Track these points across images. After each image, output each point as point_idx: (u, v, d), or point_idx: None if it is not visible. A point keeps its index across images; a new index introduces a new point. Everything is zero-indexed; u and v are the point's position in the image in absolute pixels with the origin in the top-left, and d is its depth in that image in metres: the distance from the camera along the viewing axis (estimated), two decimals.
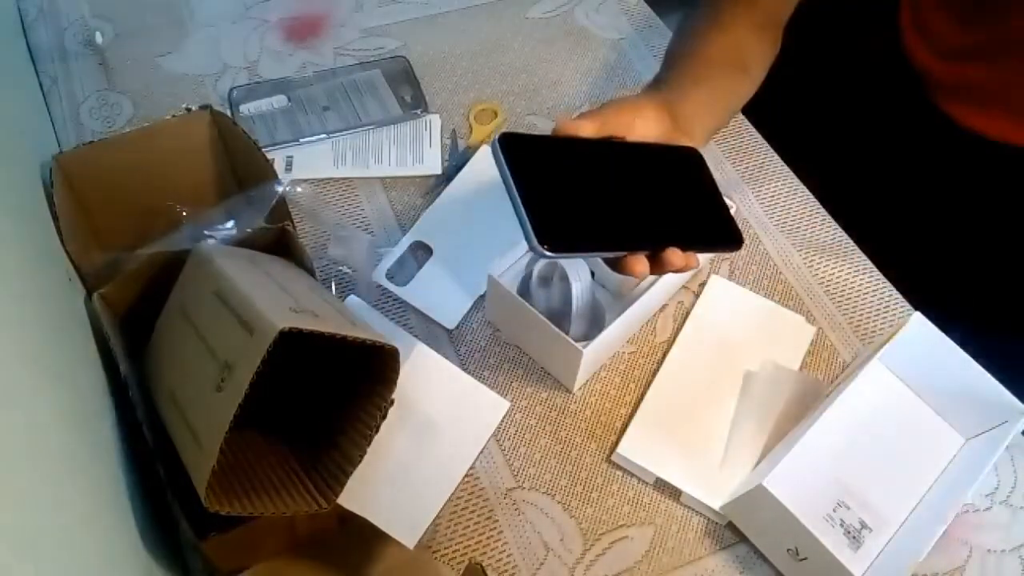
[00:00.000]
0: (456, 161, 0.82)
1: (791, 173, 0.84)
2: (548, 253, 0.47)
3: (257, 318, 0.49)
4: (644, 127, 0.55)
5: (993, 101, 0.72)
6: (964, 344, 0.64)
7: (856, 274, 0.77)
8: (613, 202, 0.53)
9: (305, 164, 0.81)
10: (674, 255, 0.51)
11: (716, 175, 0.85)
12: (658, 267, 0.51)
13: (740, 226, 0.82)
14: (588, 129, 0.52)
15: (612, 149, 0.54)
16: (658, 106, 0.57)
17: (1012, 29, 0.66)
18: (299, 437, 0.58)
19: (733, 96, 0.66)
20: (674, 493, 0.64)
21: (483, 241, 0.76)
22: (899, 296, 0.76)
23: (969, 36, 0.70)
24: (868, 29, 0.81)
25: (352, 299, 0.71)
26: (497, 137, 0.48)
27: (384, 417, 0.53)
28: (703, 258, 0.76)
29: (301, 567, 0.58)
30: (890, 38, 0.78)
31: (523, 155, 0.49)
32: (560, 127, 0.52)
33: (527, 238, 0.47)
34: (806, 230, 0.80)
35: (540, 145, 0.51)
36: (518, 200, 0.47)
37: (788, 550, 0.59)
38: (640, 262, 0.51)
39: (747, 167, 0.85)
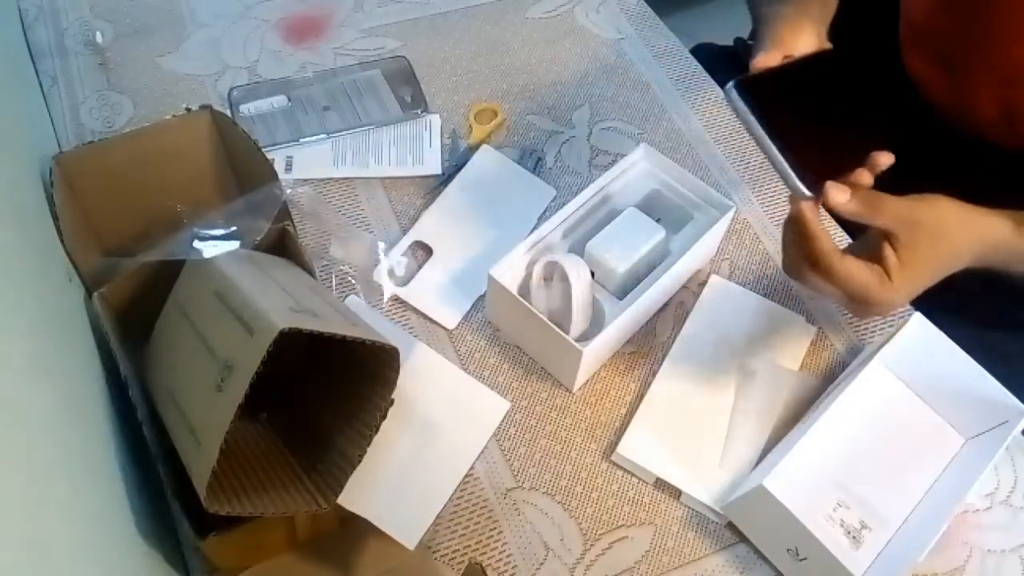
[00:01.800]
0: (456, 161, 0.82)
1: None
2: (809, 194, 0.53)
3: (257, 318, 0.49)
4: (806, 42, 0.61)
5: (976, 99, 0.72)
6: (963, 344, 0.64)
7: None
8: (835, 130, 0.58)
9: (305, 164, 0.81)
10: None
11: (716, 175, 0.85)
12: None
13: (740, 226, 0.82)
14: (777, 59, 0.58)
15: (804, 70, 0.59)
16: (810, 20, 0.62)
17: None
18: (299, 437, 0.58)
19: (830, 7, 0.70)
20: (674, 493, 0.64)
21: (483, 241, 0.76)
22: None
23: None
24: (868, 33, 0.82)
25: (352, 299, 0.71)
26: (733, 84, 0.53)
27: (384, 417, 0.53)
28: (704, 256, 0.76)
29: (301, 567, 0.58)
30: (889, 41, 0.79)
31: (756, 100, 0.54)
32: (757, 64, 0.58)
33: (791, 186, 0.53)
34: None
35: (763, 85, 0.56)
36: (774, 150, 0.53)
37: (788, 550, 0.59)
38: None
39: (747, 167, 0.85)
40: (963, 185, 0.73)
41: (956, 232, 0.58)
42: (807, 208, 0.55)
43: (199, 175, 0.73)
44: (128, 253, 0.62)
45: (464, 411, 0.66)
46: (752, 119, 0.53)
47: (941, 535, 0.56)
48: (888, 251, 0.56)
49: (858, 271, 0.56)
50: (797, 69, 0.58)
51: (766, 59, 0.58)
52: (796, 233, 0.57)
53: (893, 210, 0.56)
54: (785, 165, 0.52)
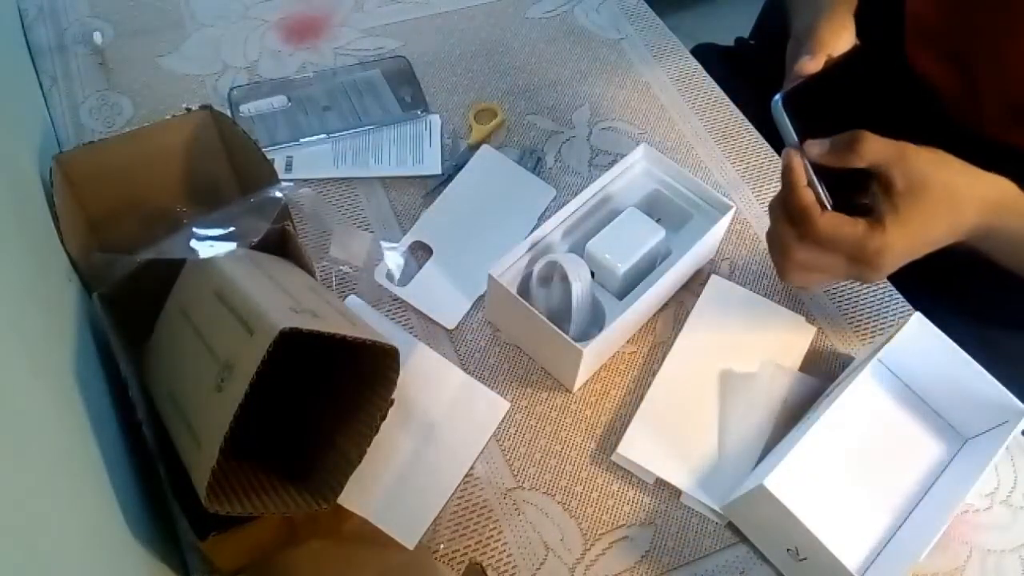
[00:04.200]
0: (456, 161, 0.82)
1: None
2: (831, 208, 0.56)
3: (257, 318, 0.49)
4: (846, 40, 0.62)
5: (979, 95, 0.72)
6: (964, 344, 0.64)
7: None
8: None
9: (305, 164, 0.81)
10: None
11: (716, 175, 0.85)
12: None
13: (740, 226, 0.82)
14: (821, 62, 0.59)
15: (838, 77, 0.60)
16: (848, 15, 0.64)
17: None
18: (299, 437, 0.58)
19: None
20: (674, 493, 0.64)
21: (483, 241, 0.76)
22: (899, 296, 0.76)
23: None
24: (873, 32, 0.82)
25: (352, 299, 0.72)
26: (780, 100, 0.55)
27: (384, 417, 0.53)
28: (704, 256, 0.76)
29: (301, 567, 0.58)
30: (894, 41, 0.79)
31: (800, 114, 0.56)
32: (803, 70, 0.58)
33: (821, 204, 0.55)
34: None
35: (805, 98, 0.57)
36: (811, 169, 0.56)
37: (788, 550, 0.59)
38: None
39: (747, 167, 0.85)
40: None
41: (960, 181, 0.55)
42: (794, 158, 0.56)
43: (199, 175, 0.73)
44: (128, 253, 0.62)
45: (464, 411, 0.66)
46: (792, 134, 0.55)
47: (941, 535, 0.56)
48: (877, 191, 0.53)
49: (842, 221, 0.54)
50: (834, 77, 0.58)
51: (811, 64, 0.58)
52: (781, 197, 0.57)
53: (877, 148, 0.53)
54: (820, 186, 0.55)
